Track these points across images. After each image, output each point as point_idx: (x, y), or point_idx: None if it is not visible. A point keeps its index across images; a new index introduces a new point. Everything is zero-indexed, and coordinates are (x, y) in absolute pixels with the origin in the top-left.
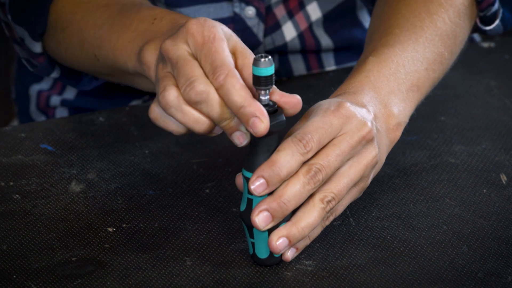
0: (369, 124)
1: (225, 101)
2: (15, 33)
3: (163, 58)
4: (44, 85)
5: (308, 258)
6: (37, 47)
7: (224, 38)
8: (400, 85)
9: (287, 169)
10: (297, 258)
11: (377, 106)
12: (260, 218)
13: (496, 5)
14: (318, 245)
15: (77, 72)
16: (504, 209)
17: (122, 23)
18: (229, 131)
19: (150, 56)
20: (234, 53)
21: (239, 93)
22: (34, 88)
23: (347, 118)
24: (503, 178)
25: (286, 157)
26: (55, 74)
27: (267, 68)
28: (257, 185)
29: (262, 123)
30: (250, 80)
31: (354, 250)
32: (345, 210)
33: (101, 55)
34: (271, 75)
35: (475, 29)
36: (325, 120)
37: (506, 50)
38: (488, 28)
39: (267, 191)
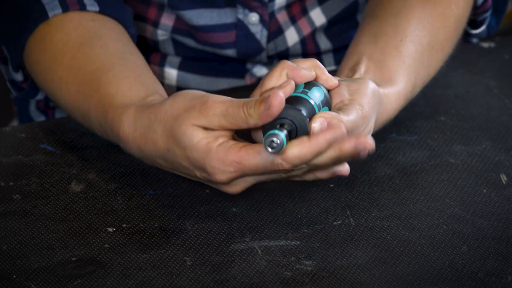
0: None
1: None
2: (3, 52)
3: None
4: None
5: (308, 258)
6: (17, 76)
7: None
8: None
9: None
10: (297, 258)
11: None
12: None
13: (489, 12)
14: (318, 245)
15: None
16: (504, 209)
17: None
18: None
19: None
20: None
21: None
22: None
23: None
24: (503, 178)
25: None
26: (39, 96)
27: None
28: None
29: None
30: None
31: (354, 250)
32: (345, 210)
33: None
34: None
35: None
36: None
37: (506, 50)
38: (474, 31)
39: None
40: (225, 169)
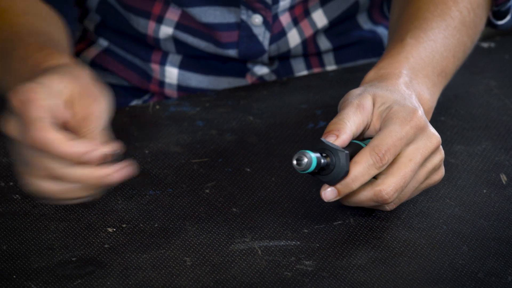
0: (437, 134)
1: None
2: None
3: None
4: None
5: (308, 258)
6: None
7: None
8: (434, 70)
9: (360, 182)
10: (297, 258)
11: (415, 91)
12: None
13: (511, 1)
14: (318, 245)
15: None
16: (504, 209)
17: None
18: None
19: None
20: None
21: None
22: None
23: (421, 129)
24: (503, 178)
25: (361, 170)
26: None
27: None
28: (328, 191)
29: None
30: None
31: (354, 250)
32: (345, 210)
33: None
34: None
35: (487, 23)
36: (403, 131)
37: (506, 50)
38: (500, 22)
39: (336, 198)
40: None
